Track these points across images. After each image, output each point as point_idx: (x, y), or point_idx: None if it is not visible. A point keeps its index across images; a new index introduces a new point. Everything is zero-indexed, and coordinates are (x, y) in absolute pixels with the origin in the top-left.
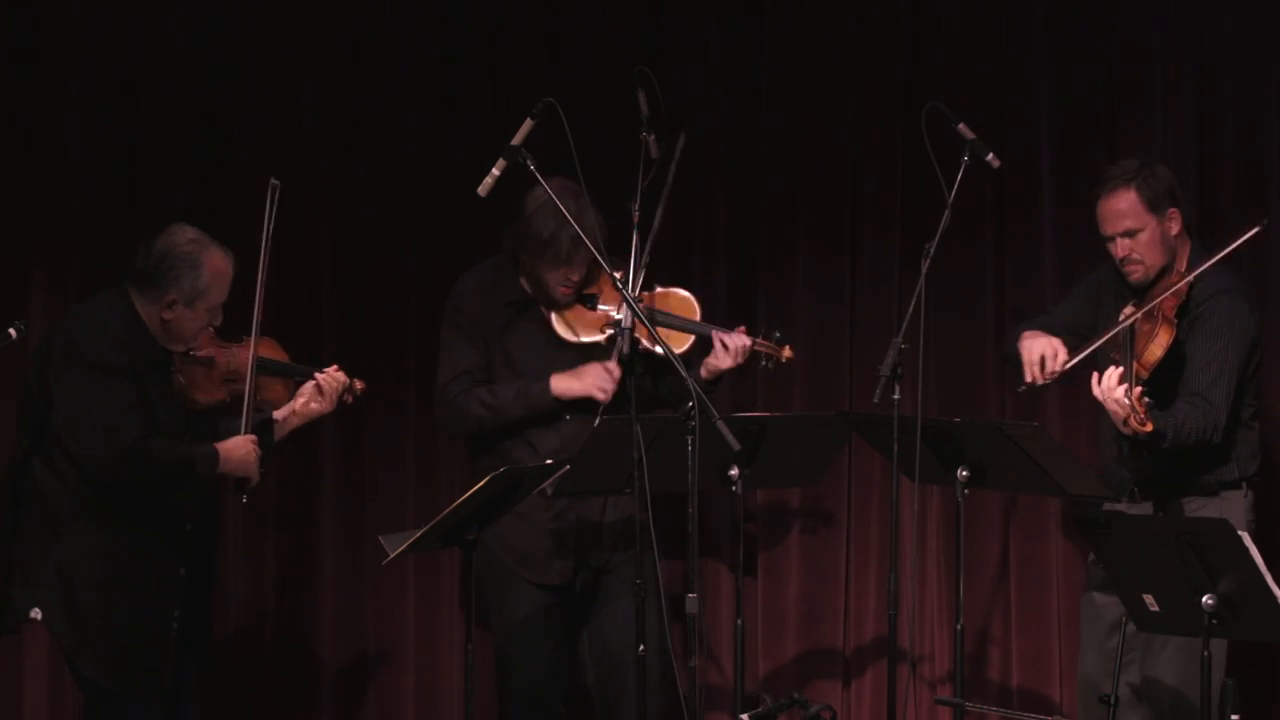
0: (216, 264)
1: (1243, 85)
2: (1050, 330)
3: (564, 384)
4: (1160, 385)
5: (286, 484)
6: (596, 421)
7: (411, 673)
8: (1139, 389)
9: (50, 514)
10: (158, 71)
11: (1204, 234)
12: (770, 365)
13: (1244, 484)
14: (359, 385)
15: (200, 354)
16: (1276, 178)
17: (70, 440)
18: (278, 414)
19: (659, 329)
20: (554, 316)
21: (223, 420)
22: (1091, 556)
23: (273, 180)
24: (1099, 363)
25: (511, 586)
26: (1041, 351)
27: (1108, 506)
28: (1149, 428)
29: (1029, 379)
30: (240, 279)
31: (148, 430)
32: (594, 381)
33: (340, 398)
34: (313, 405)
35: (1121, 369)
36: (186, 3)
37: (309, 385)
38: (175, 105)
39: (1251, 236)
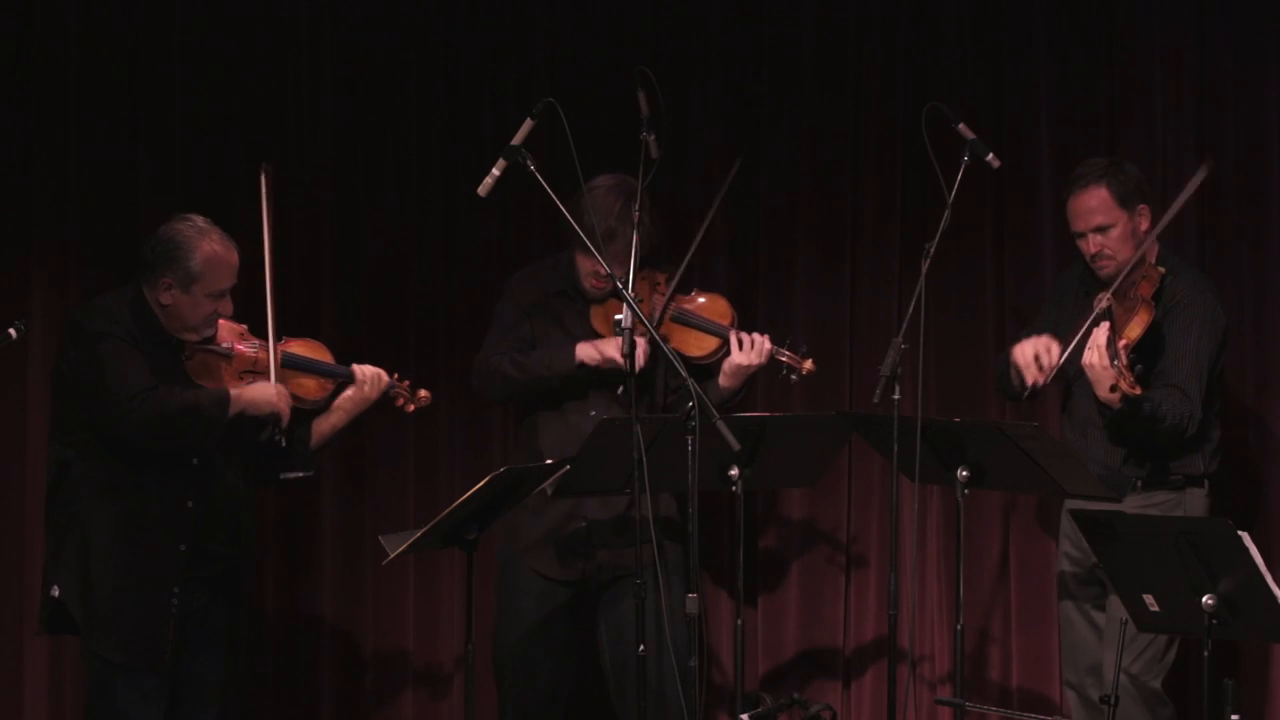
0: (212, 249)
1: (1243, 85)
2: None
3: (587, 350)
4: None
5: (287, 484)
6: (619, 390)
7: (411, 673)
8: (1124, 359)
9: (70, 498)
10: (158, 72)
11: (1204, 234)
12: (794, 377)
13: (1205, 481)
14: (424, 394)
15: (219, 345)
16: (1276, 177)
17: (84, 407)
18: (319, 420)
19: (686, 329)
20: (593, 310)
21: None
22: (1060, 569)
23: (264, 165)
24: (1078, 359)
25: (518, 578)
26: (1034, 350)
27: (1070, 505)
28: (1138, 390)
29: (1030, 381)
30: (250, 277)
31: (151, 382)
32: (618, 347)
33: (394, 401)
34: (349, 392)
35: (1108, 333)
36: (187, 3)
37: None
38: (175, 105)
39: (1200, 184)
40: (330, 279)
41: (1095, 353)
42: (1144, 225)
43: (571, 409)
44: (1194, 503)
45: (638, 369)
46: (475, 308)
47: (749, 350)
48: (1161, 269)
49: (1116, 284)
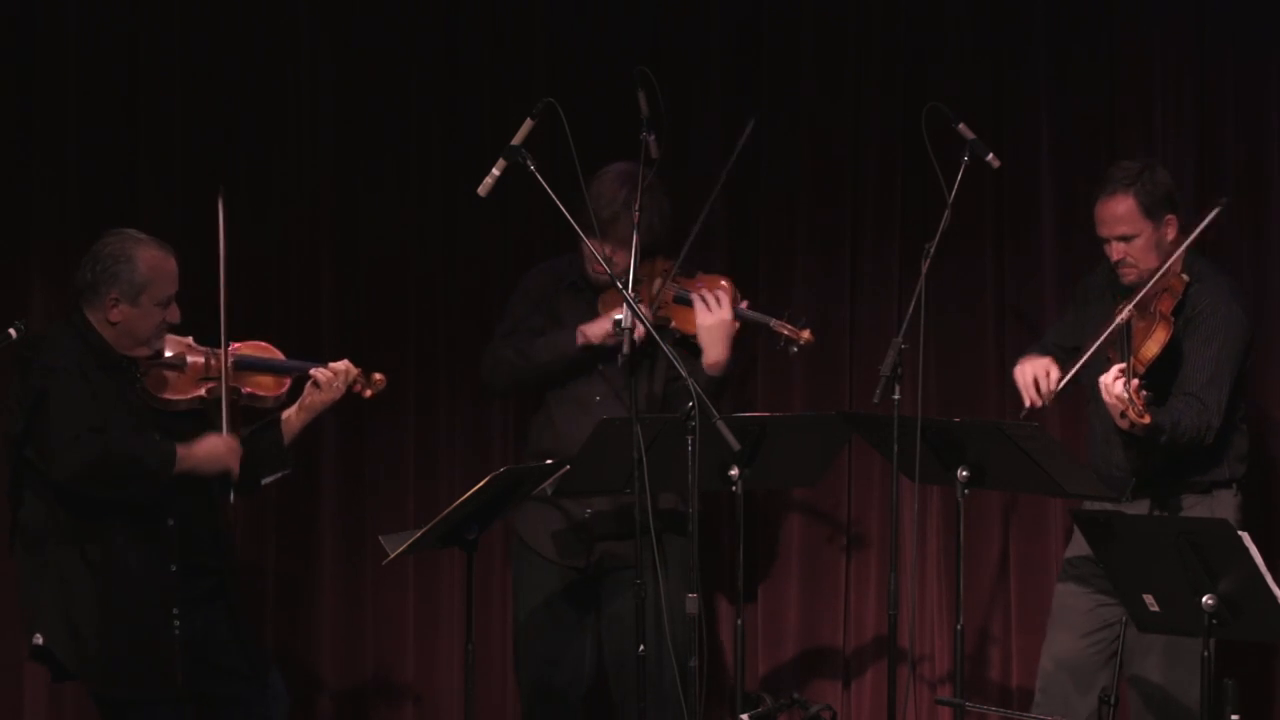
0: (151, 256)
1: (1243, 85)
2: (1045, 353)
3: (589, 328)
4: (1155, 385)
5: (286, 484)
6: (619, 357)
7: (411, 673)
8: (1136, 382)
9: (38, 540)
10: (158, 72)
11: (1204, 234)
12: (794, 349)
13: (1234, 484)
14: (378, 378)
15: (168, 356)
16: (1277, 178)
17: (31, 448)
18: (284, 414)
19: (689, 309)
20: (600, 299)
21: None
22: (1067, 554)
23: (220, 189)
24: (1096, 366)
25: (528, 568)
26: (1034, 374)
27: (1098, 506)
28: (1146, 420)
29: (1028, 403)
30: (241, 281)
31: (96, 424)
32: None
33: (352, 388)
34: (311, 398)
35: (1121, 365)
36: (187, 3)
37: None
38: (175, 105)
39: (1214, 218)
40: (330, 279)
41: (1108, 394)
42: (1171, 235)
43: (577, 399)
44: (1223, 504)
45: (635, 345)
46: (475, 308)
47: (709, 309)
48: (1185, 278)
49: (1139, 297)
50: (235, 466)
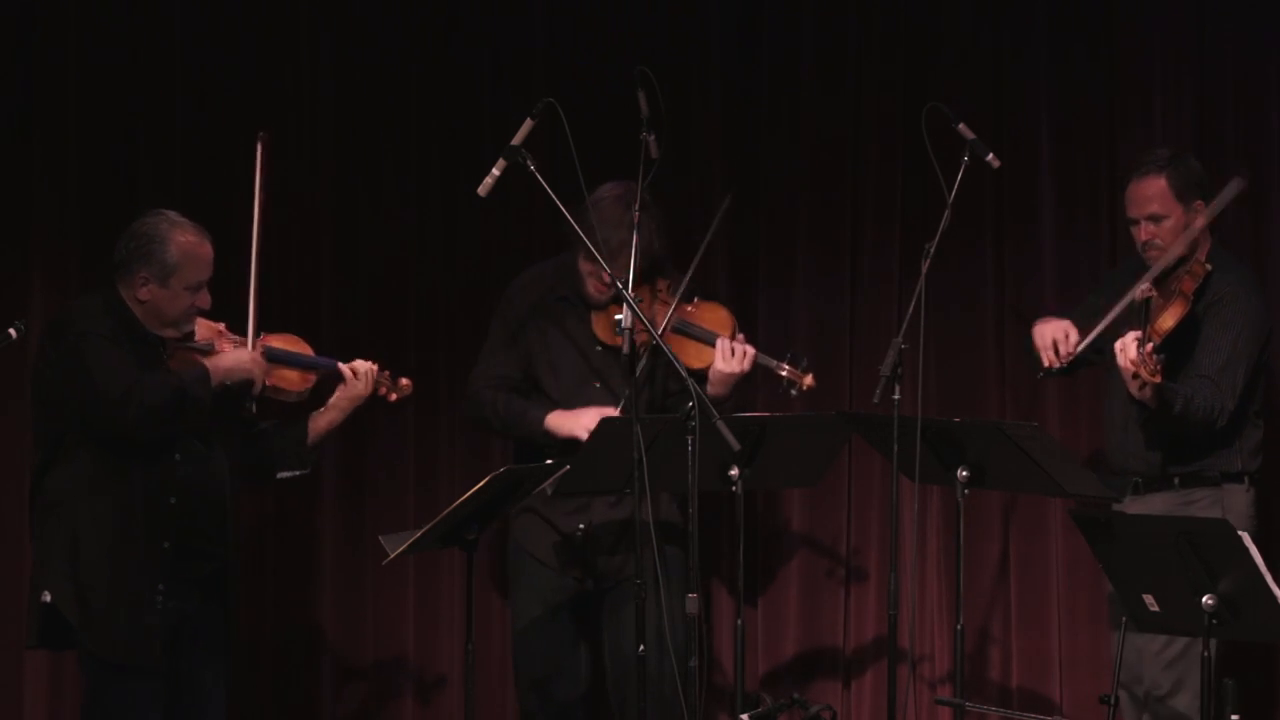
0: (186, 240)
1: (1242, 85)
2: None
3: (557, 421)
4: (1172, 369)
5: (287, 484)
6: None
7: (411, 673)
8: (1150, 346)
9: (57, 502)
10: (158, 70)
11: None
12: (794, 391)
13: (1246, 478)
14: (405, 382)
15: (199, 340)
16: (1277, 178)
17: (72, 407)
18: (313, 414)
19: (686, 339)
20: (594, 316)
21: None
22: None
23: (260, 133)
24: (1112, 339)
25: (527, 575)
26: (1053, 335)
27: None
28: (1159, 378)
29: (1046, 363)
30: (240, 273)
31: (137, 375)
32: (586, 424)
33: (376, 391)
34: (342, 389)
35: (1138, 331)
36: (187, 4)
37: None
38: (175, 104)
39: (1238, 192)
40: (330, 278)
41: (1124, 356)
42: (1199, 221)
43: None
44: (1234, 499)
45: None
46: (475, 308)
47: (731, 359)
48: (1209, 266)
49: (1156, 273)
50: (259, 377)
